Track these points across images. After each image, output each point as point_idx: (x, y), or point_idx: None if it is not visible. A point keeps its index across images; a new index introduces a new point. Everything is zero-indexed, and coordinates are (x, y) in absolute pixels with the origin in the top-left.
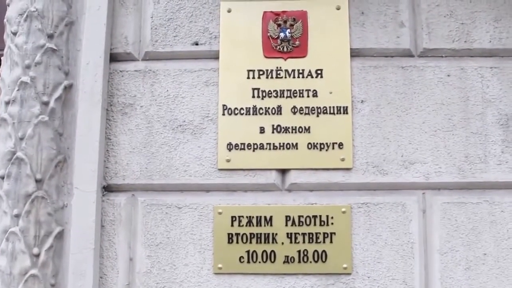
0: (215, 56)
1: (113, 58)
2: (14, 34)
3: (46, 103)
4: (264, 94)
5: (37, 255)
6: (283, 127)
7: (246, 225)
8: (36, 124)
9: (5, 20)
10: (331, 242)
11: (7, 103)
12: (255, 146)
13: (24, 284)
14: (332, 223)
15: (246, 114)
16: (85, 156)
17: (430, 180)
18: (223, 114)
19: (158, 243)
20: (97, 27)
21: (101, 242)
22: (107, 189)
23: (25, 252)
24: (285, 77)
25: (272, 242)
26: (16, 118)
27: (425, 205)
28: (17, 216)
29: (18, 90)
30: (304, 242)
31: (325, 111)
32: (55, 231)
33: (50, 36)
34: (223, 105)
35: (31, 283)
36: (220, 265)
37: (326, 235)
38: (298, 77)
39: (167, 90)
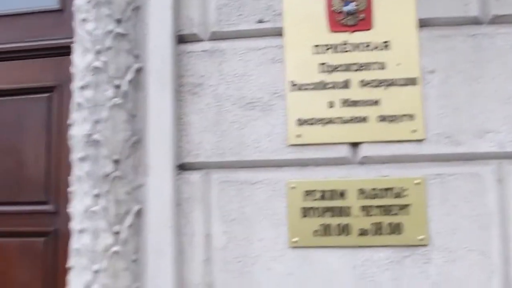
0: (279, 33)
1: (180, 39)
2: (84, 21)
3: (118, 87)
4: (331, 69)
5: (118, 233)
6: (352, 101)
7: (320, 199)
8: (110, 107)
9: (73, 8)
10: (406, 214)
11: (82, 88)
12: (325, 121)
13: (108, 260)
14: (406, 195)
15: (314, 89)
16: (158, 137)
17: (505, 149)
18: (291, 90)
19: (233, 219)
20: (163, 10)
21: (178, 220)
22: (181, 167)
23: (107, 230)
24: (352, 51)
25: (346, 215)
26: (91, 102)
27: (501, 175)
28: (97, 195)
29: (91, 75)
30: (378, 214)
31: (393, 83)
32: (133, 210)
33: (118, 21)
34: (291, 81)
35: (114, 259)
36: (295, 239)
37: (400, 207)
38: (365, 50)
39: (235, 69)
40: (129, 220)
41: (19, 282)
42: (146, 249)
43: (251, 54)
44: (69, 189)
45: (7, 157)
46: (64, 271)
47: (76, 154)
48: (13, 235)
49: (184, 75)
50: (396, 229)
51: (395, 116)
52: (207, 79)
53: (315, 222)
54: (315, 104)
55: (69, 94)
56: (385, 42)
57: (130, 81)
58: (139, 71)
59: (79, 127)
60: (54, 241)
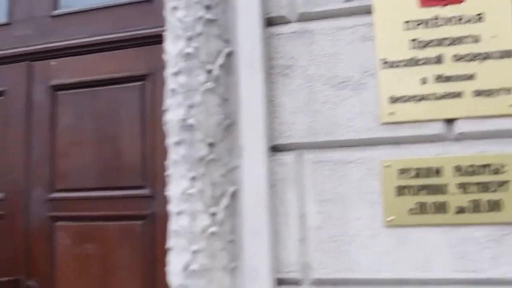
0: (368, 11)
1: (269, 22)
2: (174, 9)
3: (210, 71)
4: (423, 45)
5: (215, 214)
6: (445, 76)
7: (415, 177)
8: (203, 91)
9: None
10: (505, 190)
11: (175, 74)
12: (418, 98)
13: (206, 241)
14: (505, 171)
15: (405, 66)
16: (250, 119)
17: None
18: (382, 68)
19: (327, 199)
20: None
21: (272, 201)
22: (274, 149)
23: (204, 211)
24: (444, 25)
25: (443, 193)
26: (184, 87)
27: None
28: (194, 178)
29: (183, 61)
30: (476, 191)
31: (489, 57)
32: (229, 191)
33: (208, 8)
34: (382, 59)
35: (212, 240)
36: (390, 218)
37: (499, 184)
38: (457, 23)
39: (324, 49)
40: (225, 201)
41: (119, 263)
42: (242, 230)
43: (340, 34)
44: (166, 173)
45: (105, 145)
46: (162, 252)
47: (171, 139)
48: (113, 219)
49: (274, 57)
50: (495, 206)
51: (491, 90)
52: (297, 61)
53: (411, 201)
54: (408, 81)
55: (161, 82)
56: (479, 14)
57: (221, 66)
58: (229, 55)
59: (173, 112)
60: (152, 224)
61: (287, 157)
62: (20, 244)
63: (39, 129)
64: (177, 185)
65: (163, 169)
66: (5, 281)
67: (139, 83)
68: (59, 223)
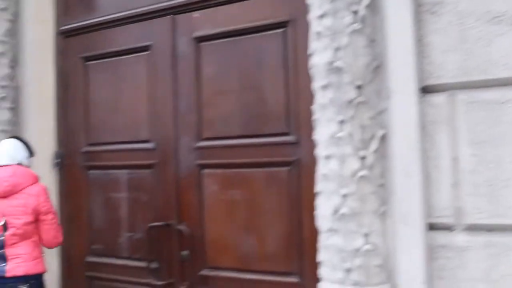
0: None
1: None
2: None
3: (356, 12)
4: None
5: (364, 158)
6: None
7: None
8: (349, 33)
9: None
10: None
11: (320, 17)
12: None
13: (355, 185)
14: None
15: None
16: (399, 60)
17: None
18: None
19: (481, 141)
20: None
21: (423, 143)
22: (424, 90)
23: (353, 155)
24: None
25: None
26: (330, 30)
27: None
28: (342, 122)
29: (328, 3)
30: None
31: None
32: (378, 134)
33: None
34: None
35: (362, 184)
36: None
37: None
38: None
39: None
40: (374, 144)
41: (266, 209)
42: (392, 173)
43: None
44: (313, 117)
45: (249, 93)
46: (308, 197)
47: (318, 83)
48: (258, 166)
49: None
50: None
51: None
52: None
53: None
54: None
55: (302, 27)
56: None
57: (367, 6)
58: None
59: (320, 56)
60: (297, 170)
61: (438, 98)
62: (171, 191)
63: (185, 80)
64: (325, 129)
65: (307, 115)
66: (158, 226)
67: (281, 30)
68: (206, 171)
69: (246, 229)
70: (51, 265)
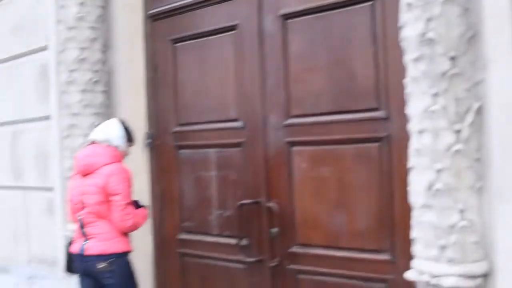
0: None
1: None
2: None
3: None
4: None
5: (459, 131)
6: None
7: None
8: (442, 2)
9: None
10: None
11: None
12: None
13: (450, 159)
14: None
15: None
16: (495, 28)
17: None
18: None
19: None
20: None
21: None
22: None
23: (447, 128)
24: None
25: None
26: (421, 0)
27: None
28: (436, 95)
29: None
30: None
31: None
32: (474, 107)
33: None
34: None
35: (457, 158)
36: None
37: None
38: None
39: None
40: (469, 117)
41: (356, 186)
42: (489, 147)
43: None
44: (405, 91)
45: (338, 69)
46: (399, 174)
47: (410, 55)
48: (348, 142)
49: None
50: None
51: None
52: None
53: None
54: None
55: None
56: None
57: None
58: None
59: (411, 28)
60: (387, 146)
61: None
62: (260, 169)
63: (272, 57)
64: (418, 103)
65: (397, 89)
66: (248, 203)
67: (369, 3)
68: (295, 148)
69: (336, 206)
70: (145, 242)
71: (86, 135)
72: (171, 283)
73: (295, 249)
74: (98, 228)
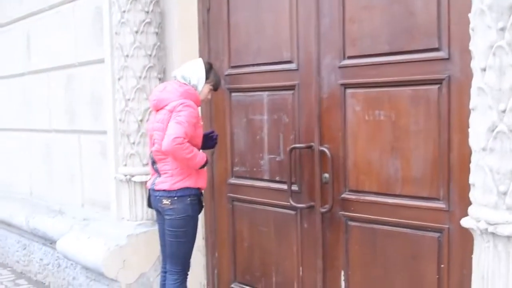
0: None
1: None
2: None
3: None
4: None
5: None
6: None
7: None
8: None
9: None
10: None
11: None
12: None
13: None
14: None
15: None
16: None
17: None
18: None
19: None
20: None
21: None
22: None
23: None
24: None
25: None
26: None
27: None
28: (503, 29)
29: None
30: None
31: None
32: None
33: None
34: None
35: None
36: None
37: None
38: None
39: None
40: None
41: (412, 130)
42: None
43: None
44: (470, 26)
45: (395, 7)
46: (459, 117)
47: None
48: (405, 84)
49: None
50: None
51: None
52: None
53: None
54: None
55: None
56: None
57: None
58: None
59: None
60: (448, 88)
61: None
62: (313, 112)
63: None
64: (483, 39)
65: (459, 28)
66: (299, 148)
67: None
68: (350, 91)
69: (390, 152)
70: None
71: (139, 77)
72: (221, 227)
73: (347, 195)
74: (168, 165)
